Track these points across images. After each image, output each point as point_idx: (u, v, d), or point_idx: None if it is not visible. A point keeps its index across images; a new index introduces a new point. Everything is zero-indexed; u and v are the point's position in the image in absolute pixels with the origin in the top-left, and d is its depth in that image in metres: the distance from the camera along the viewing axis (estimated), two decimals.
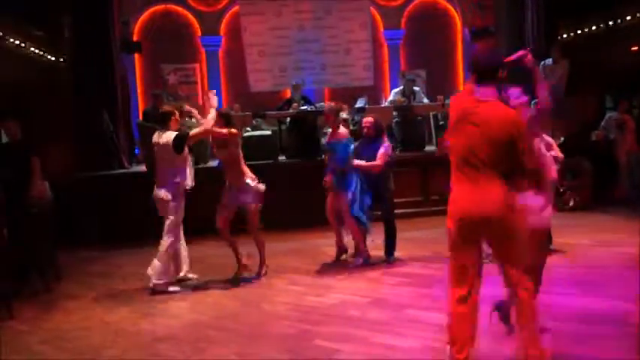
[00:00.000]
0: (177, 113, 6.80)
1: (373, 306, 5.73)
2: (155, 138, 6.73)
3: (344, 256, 7.54)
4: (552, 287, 5.06)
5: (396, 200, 10.03)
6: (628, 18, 11.61)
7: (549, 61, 10.79)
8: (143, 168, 10.61)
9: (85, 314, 6.04)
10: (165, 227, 6.64)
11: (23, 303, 6.40)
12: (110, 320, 5.81)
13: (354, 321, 5.35)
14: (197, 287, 6.78)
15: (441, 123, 11.21)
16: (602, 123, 11.33)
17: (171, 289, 6.62)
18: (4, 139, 7.81)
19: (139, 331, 5.45)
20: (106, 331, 5.51)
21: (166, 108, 6.94)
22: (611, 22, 11.54)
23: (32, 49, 10.15)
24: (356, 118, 11.50)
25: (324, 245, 7.80)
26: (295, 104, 11.27)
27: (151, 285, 6.55)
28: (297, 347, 4.84)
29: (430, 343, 4.70)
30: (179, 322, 5.65)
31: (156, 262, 6.58)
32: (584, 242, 7.46)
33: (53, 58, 10.96)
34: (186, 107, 7.38)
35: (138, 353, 4.92)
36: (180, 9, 14.65)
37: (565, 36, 12.04)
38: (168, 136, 6.57)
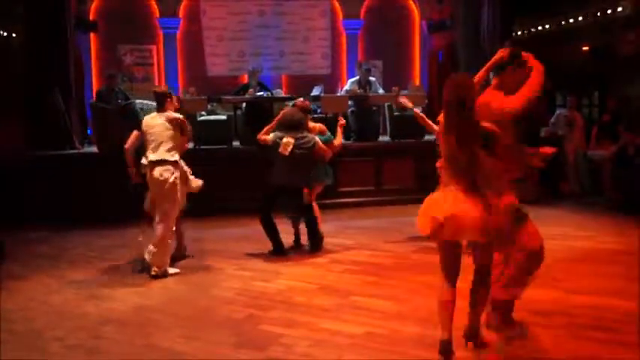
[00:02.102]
0: (172, 94, 6.75)
1: (319, 292, 5.81)
2: (148, 118, 6.63)
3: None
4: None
5: (349, 189, 10.25)
6: (580, 18, 11.88)
7: None
8: (95, 149, 10.51)
9: (29, 295, 5.96)
10: (163, 209, 6.51)
11: None
12: (54, 302, 5.75)
13: (300, 307, 5.41)
14: (144, 271, 6.72)
15: (396, 114, 11.30)
16: (552, 119, 11.60)
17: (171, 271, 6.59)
18: None
19: (83, 313, 5.41)
20: (50, 312, 5.46)
21: (162, 88, 6.84)
22: (563, 22, 11.78)
23: None
24: (312, 106, 11.53)
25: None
26: (251, 90, 11.24)
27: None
28: (243, 331, 4.88)
29: (372, 329, 4.80)
30: (125, 305, 5.62)
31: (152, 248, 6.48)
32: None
33: (5, 33, 10.72)
34: None
35: (82, 335, 4.88)
36: None
37: (519, 33, 12.24)
38: (168, 115, 6.54)
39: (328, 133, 7.64)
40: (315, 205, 7.50)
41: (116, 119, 9.65)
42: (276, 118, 7.31)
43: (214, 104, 11.28)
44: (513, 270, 4.39)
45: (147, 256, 6.50)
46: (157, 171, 6.42)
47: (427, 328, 4.65)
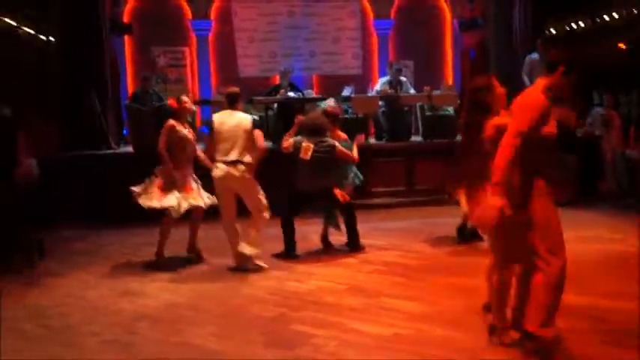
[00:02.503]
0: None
1: (349, 293, 5.85)
2: (221, 118, 6.72)
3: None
4: None
5: (380, 189, 10.26)
6: (615, 15, 11.72)
7: (535, 54, 10.87)
8: (130, 149, 10.69)
9: (65, 291, 6.12)
10: (260, 204, 6.64)
11: (5, 279, 6.47)
12: (90, 298, 5.90)
13: (330, 307, 5.46)
14: (180, 268, 6.87)
15: (428, 114, 11.29)
16: (589, 119, 11.45)
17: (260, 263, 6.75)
18: None
19: (118, 309, 5.54)
20: (86, 308, 5.60)
21: (234, 89, 6.95)
22: (598, 19, 11.63)
23: (23, 27, 10.15)
24: (342, 107, 11.58)
25: (310, 232, 7.87)
26: (282, 90, 11.33)
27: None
28: (274, 331, 4.95)
29: (400, 330, 4.83)
30: (159, 302, 5.73)
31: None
32: (565, 238, 7.49)
33: (44, 37, 10.96)
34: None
35: (117, 331, 5.01)
36: None
37: (553, 31, 12.11)
38: (241, 117, 6.67)
39: (349, 141, 7.64)
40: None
41: (150, 120, 9.80)
42: (296, 123, 7.34)
43: (246, 105, 11.37)
44: (536, 308, 4.18)
45: (246, 250, 6.67)
46: (237, 170, 6.51)
47: (454, 330, 4.69)
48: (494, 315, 4.47)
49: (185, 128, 6.99)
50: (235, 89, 6.97)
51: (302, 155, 7.05)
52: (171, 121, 6.90)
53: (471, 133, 4.39)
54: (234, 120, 6.65)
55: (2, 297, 5.67)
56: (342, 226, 7.49)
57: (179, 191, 6.82)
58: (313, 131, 7.14)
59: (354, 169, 7.71)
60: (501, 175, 4.00)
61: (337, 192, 7.20)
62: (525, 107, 4.07)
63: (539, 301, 4.14)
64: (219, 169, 6.57)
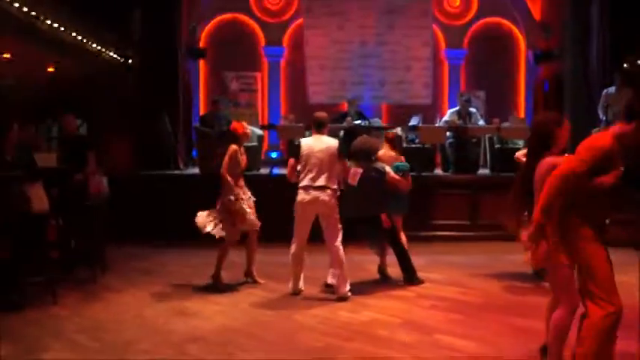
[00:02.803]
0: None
1: (402, 327, 5.74)
2: (309, 142, 6.72)
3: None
4: None
5: (443, 222, 10.08)
6: None
7: (612, 89, 10.54)
8: (197, 170, 10.90)
9: (122, 308, 6.26)
10: (337, 232, 6.64)
11: (68, 291, 6.69)
12: (145, 316, 6.01)
13: (381, 340, 5.37)
14: (235, 292, 6.93)
15: (497, 146, 11.08)
16: None
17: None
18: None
19: (171, 329, 5.60)
20: (140, 325, 5.70)
21: (321, 114, 6.99)
22: None
23: (103, 49, 10.56)
24: (409, 136, 11.52)
25: (366, 262, 7.78)
26: (349, 118, 11.35)
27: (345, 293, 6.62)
28: None
29: None
30: (211, 324, 5.78)
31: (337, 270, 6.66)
32: (627, 279, 7.19)
33: (122, 60, 11.36)
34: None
35: (167, 351, 5.06)
36: (246, 18, 14.93)
37: (632, 64, 11.72)
38: (329, 141, 6.69)
39: (408, 164, 7.55)
40: (402, 236, 7.41)
41: (218, 143, 9.97)
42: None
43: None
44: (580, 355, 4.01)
45: (332, 280, 6.72)
46: (325, 195, 6.53)
47: None
48: (550, 356, 4.29)
49: (242, 154, 7.07)
50: (323, 114, 6.99)
51: (349, 180, 6.96)
52: (234, 146, 6.98)
53: (528, 167, 4.27)
54: (322, 145, 6.62)
55: (61, 308, 5.87)
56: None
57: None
58: (362, 156, 7.04)
59: (404, 197, 7.51)
60: (539, 211, 3.89)
61: (383, 217, 7.07)
62: (588, 147, 3.92)
63: (584, 347, 3.96)
64: (306, 194, 6.55)
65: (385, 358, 4.94)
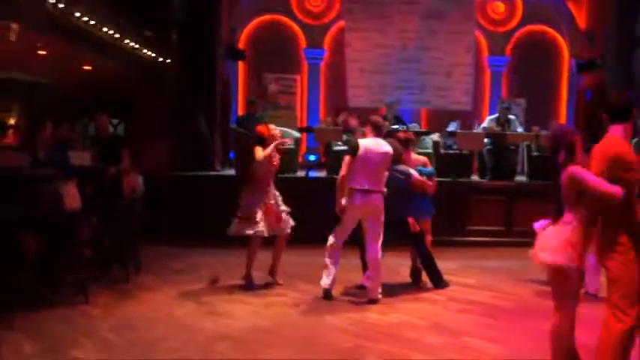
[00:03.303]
0: None
1: (431, 329, 5.72)
2: (368, 145, 6.63)
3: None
4: None
5: (478, 228, 10.01)
6: None
7: None
8: (233, 172, 10.98)
9: (154, 306, 6.34)
10: (378, 234, 6.63)
11: (101, 289, 6.78)
12: (176, 314, 6.07)
13: (409, 342, 5.35)
14: (267, 292, 6.97)
15: (535, 154, 10.94)
16: None
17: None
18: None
19: (200, 328, 5.66)
20: (170, 324, 5.76)
21: (379, 118, 7.05)
22: None
23: (141, 48, 10.71)
24: (447, 142, 11.45)
25: (398, 265, 7.76)
26: (387, 123, 11.30)
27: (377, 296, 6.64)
28: None
29: None
30: (240, 323, 5.82)
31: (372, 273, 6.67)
32: None
33: (161, 59, 11.50)
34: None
35: (194, 349, 5.12)
36: (287, 20, 15.01)
37: None
38: (386, 146, 6.69)
39: (431, 168, 7.49)
40: (428, 240, 7.38)
41: (253, 144, 10.03)
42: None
43: (349, 134, 11.44)
44: None
45: (365, 282, 6.71)
46: (378, 197, 6.54)
47: None
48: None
49: (274, 157, 7.09)
50: (380, 118, 6.97)
51: None
52: (259, 149, 7.03)
53: (558, 176, 4.22)
54: (380, 148, 6.61)
55: (93, 306, 5.96)
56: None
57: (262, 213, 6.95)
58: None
59: (430, 200, 7.45)
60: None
61: (410, 221, 7.04)
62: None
63: (601, 356, 4.03)
64: (359, 196, 6.50)
65: None
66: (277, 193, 7.21)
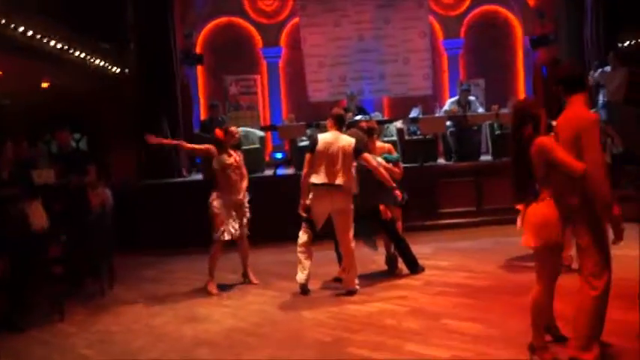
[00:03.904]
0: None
1: (410, 315, 5.77)
2: (329, 138, 6.59)
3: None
4: None
5: (448, 210, 10.11)
6: None
7: (608, 68, 10.57)
8: (200, 177, 10.94)
9: (131, 318, 6.29)
10: (348, 226, 6.60)
11: (76, 305, 6.72)
12: (155, 324, 6.03)
13: (390, 329, 5.40)
14: (244, 293, 6.97)
15: (497, 132, 11.07)
16: None
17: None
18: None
19: (180, 335, 5.64)
20: (150, 334, 5.73)
21: (340, 110, 7.02)
22: None
23: (98, 61, 10.60)
24: (411, 128, 11.53)
25: (373, 254, 7.74)
26: (349, 114, 11.33)
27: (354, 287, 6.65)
28: (330, 354, 4.94)
29: (459, 352, 4.74)
30: (219, 327, 5.81)
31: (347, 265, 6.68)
32: (635, 254, 7.18)
33: (118, 70, 11.40)
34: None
35: (175, 357, 5.11)
36: (241, 21, 14.92)
37: (626, 44, 11.69)
38: (348, 140, 6.62)
39: (397, 154, 7.53)
40: (399, 226, 7.41)
41: None
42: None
43: (313, 129, 11.45)
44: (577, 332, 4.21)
45: (341, 274, 6.80)
46: (340, 192, 6.50)
47: (518, 352, 4.53)
48: (533, 334, 4.38)
49: (229, 157, 7.07)
50: (341, 110, 6.95)
51: None
52: (215, 151, 7.09)
53: (524, 149, 4.27)
54: (339, 142, 6.57)
55: (69, 324, 5.89)
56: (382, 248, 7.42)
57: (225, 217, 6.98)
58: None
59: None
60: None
61: (382, 208, 7.06)
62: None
63: (579, 325, 4.17)
64: (325, 191, 6.50)
65: (393, 346, 4.96)
66: (244, 195, 7.18)
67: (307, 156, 6.61)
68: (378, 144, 7.59)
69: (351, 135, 6.95)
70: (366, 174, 6.92)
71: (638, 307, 4.51)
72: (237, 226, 7.05)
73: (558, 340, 4.62)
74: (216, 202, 7.00)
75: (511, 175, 4.42)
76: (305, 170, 6.59)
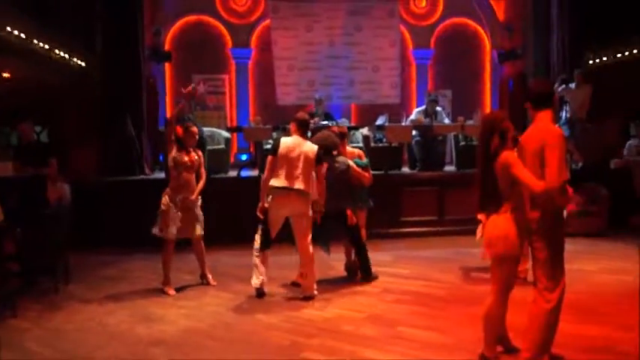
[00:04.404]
0: None
1: (367, 321, 5.78)
2: (290, 143, 6.57)
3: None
4: None
5: (411, 219, 10.17)
6: None
7: (572, 85, 10.78)
8: (164, 175, 10.81)
9: (86, 316, 6.17)
10: (306, 230, 6.60)
11: (29, 302, 6.57)
12: (109, 323, 5.93)
13: (346, 335, 5.40)
14: (201, 295, 6.89)
15: (462, 144, 11.18)
16: (624, 150, 11.20)
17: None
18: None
19: (134, 335, 5.56)
20: (103, 333, 5.63)
21: (305, 115, 6.93)
22: (635, 50, 11.37)
23: (62, 53, 10.40)
24: (377, 135, 11.58)
25: (332, 260, 7.75)
26: (316, 119, 11.36)
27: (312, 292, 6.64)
28: (286, 358, 4.92)
29: (410, 359, 4.78)
30: (176, 328, 5.74)
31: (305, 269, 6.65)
32: (590, 269, 7.36)
33: (82, 63, 11.22)
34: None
35: (129, 356, 5.03)
36: (212, 20, 14.85)
37: (591, 61, 11.91)
38: (311, 146, 6.60)
39: (366, 160, 7.57)
40: (363, 233, 7.44)
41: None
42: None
43: (279, 132, 11.43)
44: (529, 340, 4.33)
45: (299, 279, 6.78)
46: (299, 196, 6.48)
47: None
48: (485, 344, 4.46)
49: (186, 155, 7.00)
50: (306, 115, 6.95)
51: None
52: (173, 149, 7.01)
53: (491, 163, 4.30)
54: (301, 147, 6.55)
55: (21, 320, 5.75)
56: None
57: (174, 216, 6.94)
58: (324, 151, 6.90)
59: (366, 192, 7.53)
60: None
61: (349, 213, 7.10)
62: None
63: (531, 336, 4.30)
64: (284, 195, 6.48)
65: (349, 352, 4.96)
66: (196, 196, 7.11)
67: (269, 159, 6.59)
68: (349, 149, 7.61)
69: (323, 137, 7.03)
70: (338, 176, 6.94)
71: (591, 320, 4.58)
72: (182, 225, 6.98)
73: (509, 352, 4.69)
74: (164, 199, 6.93)
75: (477, 185, 4.45)
76: (266, 173, 6.56)
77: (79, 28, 10.83)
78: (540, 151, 4.14)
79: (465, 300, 6.36)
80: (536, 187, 4.07)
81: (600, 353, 4.77)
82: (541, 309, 4.24)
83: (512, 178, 4.18)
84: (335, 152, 7.07)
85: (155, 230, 6.96)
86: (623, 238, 9.11)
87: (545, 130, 4.25)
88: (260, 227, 6.68)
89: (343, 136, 7.46)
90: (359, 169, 7.21)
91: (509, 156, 4.23)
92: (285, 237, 6.78)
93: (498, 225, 4.26)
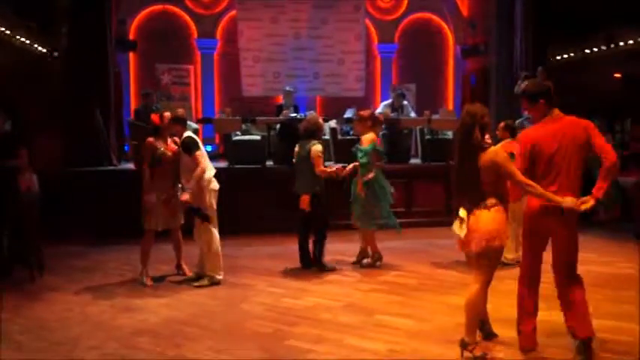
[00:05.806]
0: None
1: (345, 310, 5.94)
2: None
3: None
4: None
5: None
6: (612, 46, 11.84)
7: None
8: (131, 166, 10.76)
9: (65, 306, 6.17)
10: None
11: (6, 293, 6.52)
12: (90, 313, 5.95)
13: (326, 323, 5.55)
14: (179, 285, 6.96)
15: (427, 137, 11.41)
16: None
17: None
18: None
19: (117, 324, 5.60)
20: (86, 323, 5.66)
21: (182, 112, 7.13)
22: (596, 49, 11.77)
23: (22, 39, 10.17)
24: (344, 128, 11.72)
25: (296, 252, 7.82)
26: (286, 111, 11.45)
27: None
28: (271, 346, 5.03)
29: (395, 347, 4.95)
30: (158, 317, 5.79)
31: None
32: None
33: (44, 50, 11.01)
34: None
35: (116, 345, 5.07)
36: (177, 10, 14.79)
37: (555, 59, 12.27)
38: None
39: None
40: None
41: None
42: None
43: (248, 124, 11.49)
44: None
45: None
46: None
47: (448, 347, 4.80)
48: (466, 331, 4.61)
49: (165, 145, 7.00)
50: (183, 111, 7.19)
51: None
52: (151, 138, 6.97)
53: (473, 156, 4.44)
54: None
55: (2, 310, 5.73)
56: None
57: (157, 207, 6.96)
58: (305, 134, 7.38)
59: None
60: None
61: (303, 199, 7.31)
62: None
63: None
64: None
65: (333, 340, 5.10)
66: (179, 186, 7.12)
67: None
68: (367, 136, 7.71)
69: (307, 121, 7.49)
70: (300, 164, 7.26)
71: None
72: (166, 217, 7.03)
73: (488, 337, 4.89)
74: (149, 198, 6.91)
75: (455, 179, 4.60)
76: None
77: (43, 12, 10.62)
78: (586, 138, 4.42)
79: (437, 289, 6.60)
80: (611, 157, 4.41)
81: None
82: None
83: (501, 174, 4.36)
84: (319, 135, 7.45)
85: (146, 224, 6.99)
86: (588, 231, 9.28)
87: (577, 120, 4.52)
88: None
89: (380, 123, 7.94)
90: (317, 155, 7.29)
91: (499, 153, 4.41)
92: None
93: (496, 219, 4.38)
